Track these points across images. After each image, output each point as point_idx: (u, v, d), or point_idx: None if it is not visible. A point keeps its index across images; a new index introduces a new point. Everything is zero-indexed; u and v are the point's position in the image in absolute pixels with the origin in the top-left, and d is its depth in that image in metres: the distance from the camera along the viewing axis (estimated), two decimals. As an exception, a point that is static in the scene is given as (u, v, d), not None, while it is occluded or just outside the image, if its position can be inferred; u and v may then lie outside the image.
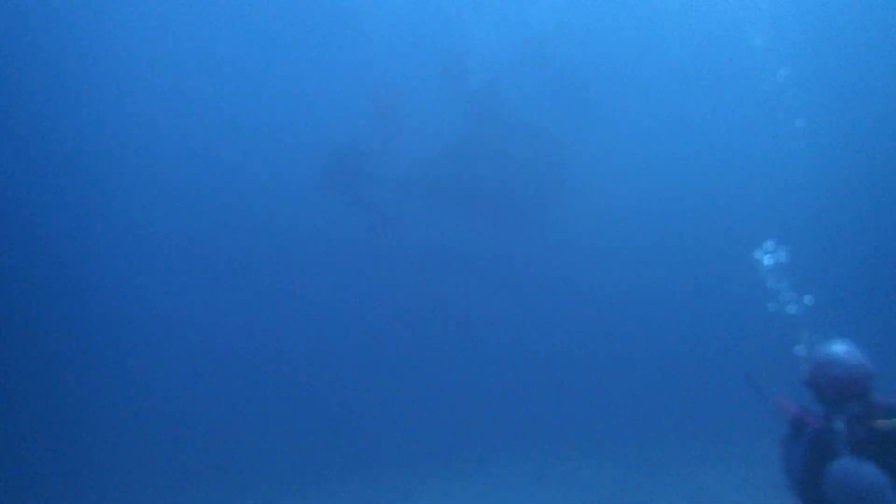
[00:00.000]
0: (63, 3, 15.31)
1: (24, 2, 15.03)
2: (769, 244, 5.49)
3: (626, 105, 16.75)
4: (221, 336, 15.52)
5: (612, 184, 17.00)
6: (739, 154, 17.19)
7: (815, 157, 15.37)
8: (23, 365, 14.14)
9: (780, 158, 15.76)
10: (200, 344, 15.30)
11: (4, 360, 13.81)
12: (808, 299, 5.08)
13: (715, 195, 16.93)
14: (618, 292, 15.90)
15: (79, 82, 15.91)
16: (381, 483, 11.14)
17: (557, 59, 16.48)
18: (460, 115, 15.79)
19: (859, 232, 15.62)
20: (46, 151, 15.62)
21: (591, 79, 16.41)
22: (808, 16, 16.36)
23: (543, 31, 16.75)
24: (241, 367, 15.01)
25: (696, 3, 17.09)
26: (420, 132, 15.01)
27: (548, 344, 15.33)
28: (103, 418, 13.56)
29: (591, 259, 16.52)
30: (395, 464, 11.83)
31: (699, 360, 13.95)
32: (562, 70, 16.45)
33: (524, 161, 15.60)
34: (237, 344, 15.35)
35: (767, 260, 5.43)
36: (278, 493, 10.94)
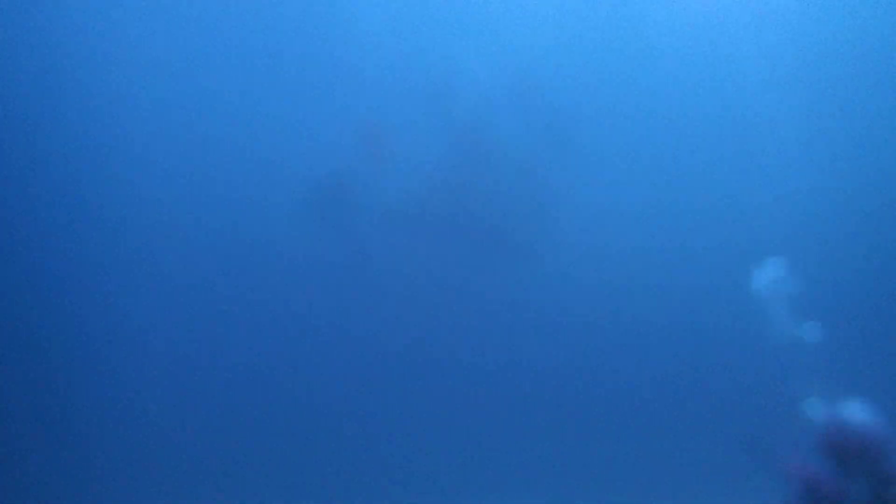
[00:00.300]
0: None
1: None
2: (770, 271, 5.34)
3: (615, 145, 16.82)
4: (196, 363, 15.14)
5: (598, 222, 16.94)
6: (733, 198, 17.24)
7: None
8: (19, 366, 13.69)
9: (778, 204, 15.81)
10: (179, 370, 14.93)
11: (5, 360, 13.44)
12: (811, 327, 4.87)
13: (705, 236, 16.92)
14: (602, 329, 15.76)
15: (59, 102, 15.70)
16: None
17: (546, 95, 16.56)
18: (446, 148, 15.71)
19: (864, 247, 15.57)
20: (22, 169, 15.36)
21: (580, 117, 16.49)
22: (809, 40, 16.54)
23: (533, 67, 16.83)
24: (211, 399, 14.62)
25: (691, 42, 17.32)
26: (406, 163, 14.90)
27: (531, 380, 15.11)
28: (101, 419, 13.24)
29: (578, 296, 16.39)
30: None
31: (692, 398, 13.80)
32: (550, 107, 16.52)
33: (510, 196, 15.51)
34: (212, 373, 14.96)
35: (768, 290, 5.27)
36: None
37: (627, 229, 16.81)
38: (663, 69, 17.45)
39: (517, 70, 16.58)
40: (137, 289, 15.71)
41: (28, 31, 15.30)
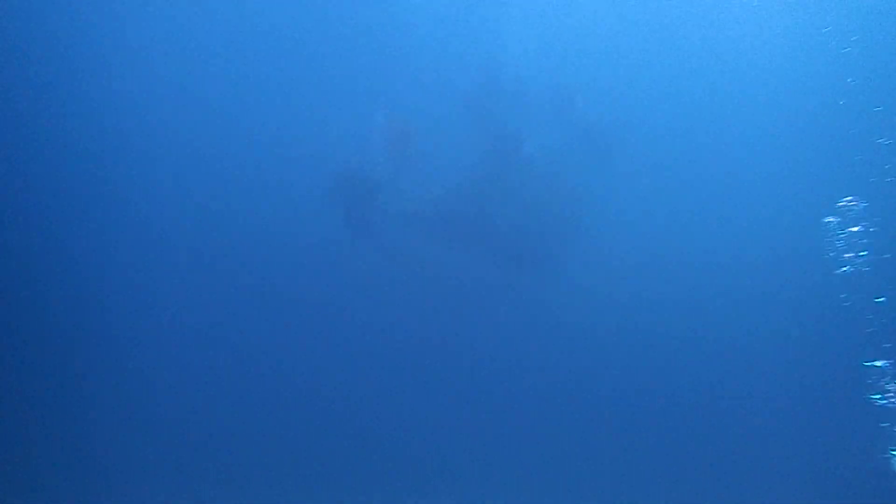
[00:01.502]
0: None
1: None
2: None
3: (650, 158, 16.38)
4: (214, 360, 15.18)
5: (630, 238, 16.50)
6: (763, 214, 16.63)
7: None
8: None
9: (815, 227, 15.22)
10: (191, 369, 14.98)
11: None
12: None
13: (739, 251, 16.35)
14: (628, 346, 15.33)
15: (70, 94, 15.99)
16: None
17: (582, 106, 16.23)
18: (478, 153, 15.46)
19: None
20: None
21: (616, 129, 16.13)
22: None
23: (570, 76, 16.52)
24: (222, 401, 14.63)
25: (728, 53, 16.84)
26: (434, 166, 14.71)
27: (551, 393, 14.76)
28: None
29: (604, 311, 15.97)
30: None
31: (714, 406, 13.48)
32: (586, 118, 16.18)
33: (538, 206, 15.14)
34: (226, 375, 14.97)
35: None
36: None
37: (659, 240, 16.33)
38: (704, 77, 16.99)
39: (557, 73, 16.28)
40: (155, 285, 15.80)
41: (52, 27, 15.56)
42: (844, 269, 13.58)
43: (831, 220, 14.19)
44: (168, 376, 14.81)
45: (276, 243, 15.41)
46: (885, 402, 12.08)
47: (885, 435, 12.12)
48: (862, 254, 13.53)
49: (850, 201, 13.95)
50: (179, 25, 16.03)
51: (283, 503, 12.72)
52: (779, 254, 15.75)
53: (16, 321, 14.55)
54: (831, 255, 13.93)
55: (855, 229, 13.69)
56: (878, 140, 15.11)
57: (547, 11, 17.24)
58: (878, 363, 12.31)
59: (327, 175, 13.42)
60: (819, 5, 16.38)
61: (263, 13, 16.49)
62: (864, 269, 13.52)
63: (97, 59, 15.84)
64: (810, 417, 13.86)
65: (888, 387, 12.00)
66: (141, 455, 12.31)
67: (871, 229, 13.69)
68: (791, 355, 14.57)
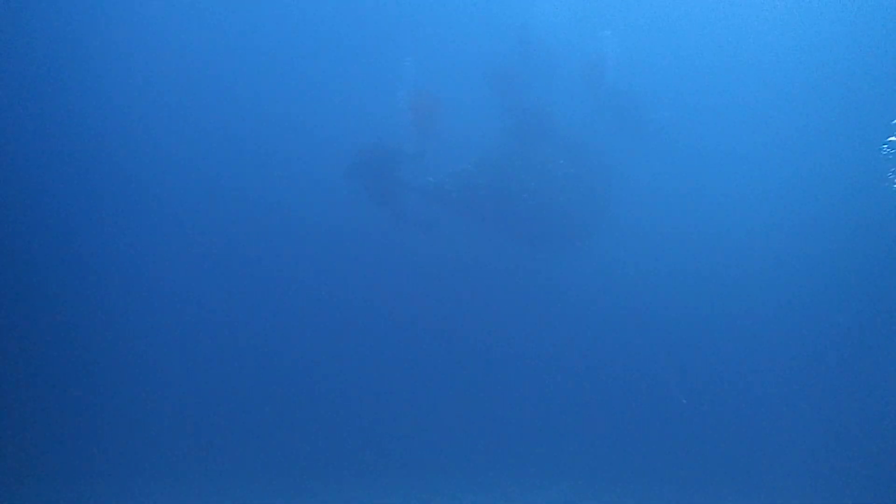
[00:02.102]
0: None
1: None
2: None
3: (682, 128, 15.80)
4: (234, 335, 15.15)
5: (663, 210, 16.00)
6: (799, 181, 15.99)
7: None
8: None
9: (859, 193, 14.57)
10: (214, 342, 14.96)
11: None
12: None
13: (771, 226, 15.79)
14: (658, 324, 14.86)
15: (111, 63, 15.91)
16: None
17: (610, 77, 15.65)
18: (503, 127, 15.04)
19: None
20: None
21: (644, 99, 15.55)
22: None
23: (600, 48, 15.95)
24: (255, 369, 14.57)
25: (760, 28, 16.17)
26: (460, 140, 14.35)
27: (579, 370, 14.44)
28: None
29: (633, 287, 15.55)
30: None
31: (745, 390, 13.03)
32: (613, 88, 15.60)
33: (567, 181, 14.65)
34: (251, 344, 14.93)
35: None
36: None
37: (694, 214, 15.85)
38: (738, 41, 16.35)
39: (587, 42, 15.71)
40: (165, 264, 15.76)
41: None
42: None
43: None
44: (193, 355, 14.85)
45: (298, 216, 15.27)
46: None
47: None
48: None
49: None
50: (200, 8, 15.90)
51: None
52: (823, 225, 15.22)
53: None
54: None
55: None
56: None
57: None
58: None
59: (349, 148, 13.11)
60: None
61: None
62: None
63: (112, 39, 15.79)
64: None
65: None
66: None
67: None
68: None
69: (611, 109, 15.36)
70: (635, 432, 12.92)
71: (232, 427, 13.27)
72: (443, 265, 14.76)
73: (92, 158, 15.88)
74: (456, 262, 14.80)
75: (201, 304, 15.50)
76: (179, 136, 16.17)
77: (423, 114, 13.35)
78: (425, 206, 13.72)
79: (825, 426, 12.57)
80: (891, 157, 11.00)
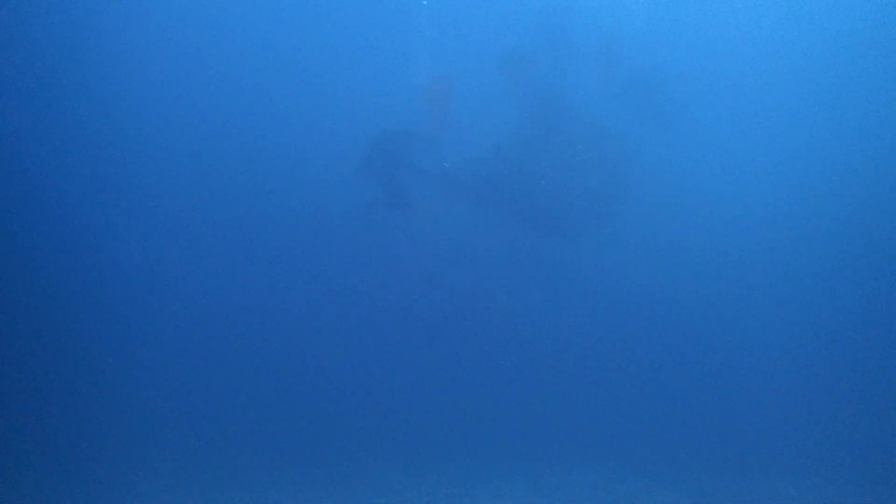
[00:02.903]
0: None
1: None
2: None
3: (703, 111, 15.35)
4: (240, 327, 15.01)
5: (682, 196, 15.59)
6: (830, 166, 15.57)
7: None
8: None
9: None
10: (218, 337, 14.82)
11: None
12: None
13: (797, 208, 15.39)
14: (679, 312, 14.57)
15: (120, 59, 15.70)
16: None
17: (629, 58, 15.22)
18: (519, 112, 14.66)
19: None
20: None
21: (665, 80, 15.10)
22: None
23: (615, 29, 15.51)
24: (261, 363, 14.42)
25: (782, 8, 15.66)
26: (474, 126, 14.01)
27: (598, 362, 14.20)
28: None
29: (654, 277, 15.22)
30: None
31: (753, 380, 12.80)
32: (633, 70, 15.16)
33: (586, 166, 14.28)
34: (255, 337, 14.77)
35: None
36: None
37: (716, 200, 15.48)
38: (755, 23, 15.88)
39: (604, 25, 15.27)
40: (170, 258, 15.59)
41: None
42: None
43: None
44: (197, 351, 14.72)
45: (314, 203, 15.00)
46: None
47: None
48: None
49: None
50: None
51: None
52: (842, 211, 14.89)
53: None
54: None
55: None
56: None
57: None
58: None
59: (364, 135, 12.81)
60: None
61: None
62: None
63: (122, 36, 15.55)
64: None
65: None
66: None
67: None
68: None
69: (630, 92, 14.97)
70: (650, 424, 12.76)
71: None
72: (457, 255, 14.47)
73: (111, 143, 15.73)
74: (470, 252, 14.51)
75: (208, 299, 15.34)
76: (188, 130, 15.95)
77: (437, 99, 13.02)
78: (441, 193, 13.44)
79: (850, 423, 12.37)
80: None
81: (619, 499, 9.87)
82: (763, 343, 14.69)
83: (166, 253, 15.60)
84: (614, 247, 14.88)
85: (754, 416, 13.22)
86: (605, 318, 15.06)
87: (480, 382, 13.85)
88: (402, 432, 12.84)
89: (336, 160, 13.80)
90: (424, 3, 15.01)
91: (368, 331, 14.76)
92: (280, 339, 14.93)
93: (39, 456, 11.82)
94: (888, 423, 12.50)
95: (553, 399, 13.46)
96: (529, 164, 13.81)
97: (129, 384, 13.80)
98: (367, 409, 13.50)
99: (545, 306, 14.67)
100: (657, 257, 15.33)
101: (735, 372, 14.27)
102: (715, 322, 14.78)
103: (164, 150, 15.77)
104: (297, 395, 13.73)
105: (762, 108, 16.23)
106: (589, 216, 14.25)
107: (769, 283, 14.99)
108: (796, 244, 15.49)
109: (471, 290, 14.30)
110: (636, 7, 15.43)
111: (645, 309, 14.94)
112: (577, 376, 14.04)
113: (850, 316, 14.45)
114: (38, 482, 10.73)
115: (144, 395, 13.65)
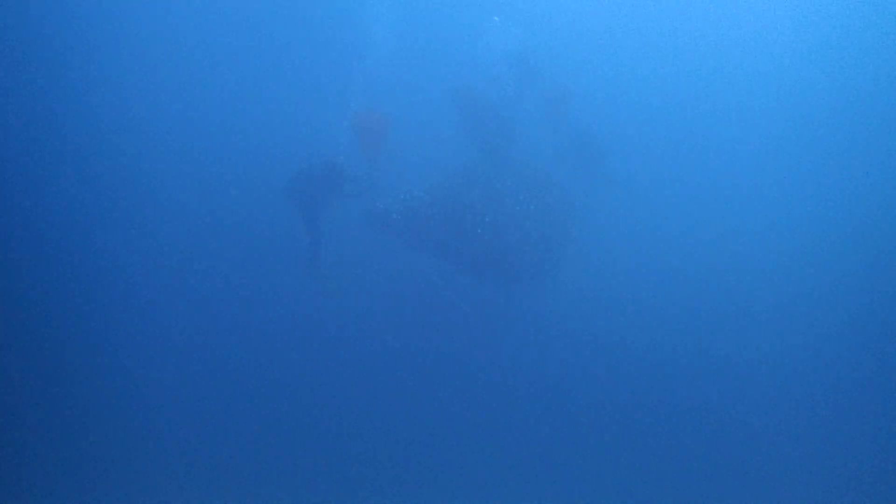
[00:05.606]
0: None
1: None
2: None
3: (646, 160, 15.46)
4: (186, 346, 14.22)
5: (624, 246, 15.50)
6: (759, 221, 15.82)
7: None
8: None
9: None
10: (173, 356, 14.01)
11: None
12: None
13: (736, 263, 15.50)
14: (621, 360, 14.31)
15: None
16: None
17: (576, 108, 15.19)
18: (462, 152, 14.34)
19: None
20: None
21: (609, 135, 15.13)
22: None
23: (563, 76, 15.49)
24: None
25: (731, 60, 16.15)
26: (413, 163, 13.62)
27: (532, 409, 13.72)
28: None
29: (595, 323, 14.96)
30: None
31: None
32: (581, 126, 15.14)
33: (528, 213, 13.88)
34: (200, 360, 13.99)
35: None
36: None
37: (656, 247, 15.54)
38: (700, 77, 16.34)
39: (549, 73, 15.23)
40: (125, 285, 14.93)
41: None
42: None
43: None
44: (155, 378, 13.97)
45: (235, 242, 14.47)
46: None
47: None
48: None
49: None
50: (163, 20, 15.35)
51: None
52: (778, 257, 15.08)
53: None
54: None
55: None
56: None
57: (536, 11, 16.47)
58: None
59: (290, 168, 12.25)
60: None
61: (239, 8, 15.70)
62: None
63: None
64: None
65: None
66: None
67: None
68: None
69: (577, 146, 14.92)
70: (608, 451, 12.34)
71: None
72: (394, 298, 13.98)
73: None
74: (409, 295, 14.04)
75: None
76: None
77: (373, 133, 12.52)
78: (371, 231, 12.87)
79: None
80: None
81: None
82: (722, 396, 14.49)
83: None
84: (555, 295, 14.57)
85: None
86: (546, 368, 14.65)
87: (420, 421, 13.31)
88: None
89: (257, 197, 13.45)
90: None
91: (308, 371, 14.06)
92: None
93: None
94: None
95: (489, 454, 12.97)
96: (469, 208, 13.34)
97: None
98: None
99: (482, 348, 14.21)
100: (604, 307, 15.13)
101: (689, 422, 13.92)
102: (656, 367, 14.56)
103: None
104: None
105: (704, 171, 16.56)
106: (529, 263, 13.80)
107: (717, 331, 14.94)
108: (742, 301, 15.52)
109: (409, 334, 13.77)
110: (581, 56, 15.56)
111: (590, 356, 14.66)
112: (516, 424, 13.59)
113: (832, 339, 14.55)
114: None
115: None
